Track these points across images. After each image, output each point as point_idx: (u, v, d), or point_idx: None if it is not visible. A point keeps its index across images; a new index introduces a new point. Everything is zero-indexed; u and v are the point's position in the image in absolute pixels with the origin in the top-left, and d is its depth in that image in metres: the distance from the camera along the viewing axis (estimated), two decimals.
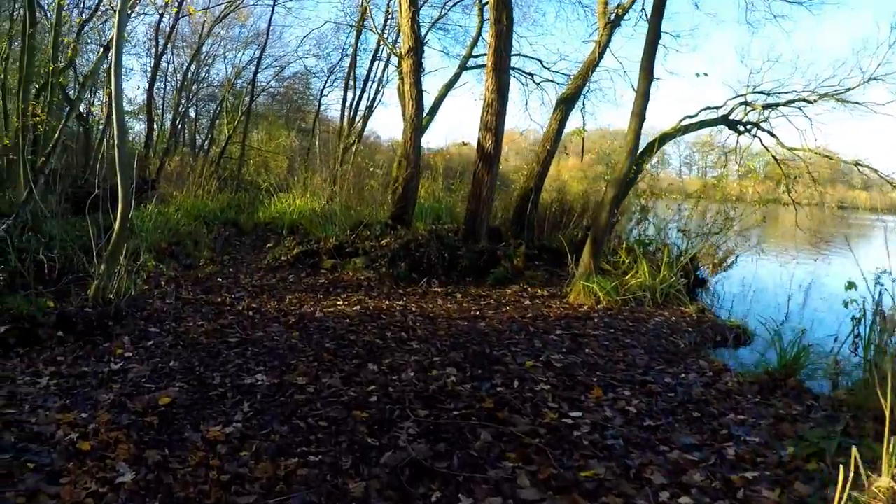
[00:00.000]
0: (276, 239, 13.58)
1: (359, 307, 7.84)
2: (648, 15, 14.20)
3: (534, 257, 10.91)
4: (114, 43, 6.90)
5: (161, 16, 20.87)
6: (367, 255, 9.95)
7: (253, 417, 4.48)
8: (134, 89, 33.74)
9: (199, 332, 6.40)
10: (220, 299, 7.88)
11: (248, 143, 25.01)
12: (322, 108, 27.73)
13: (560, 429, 4.31)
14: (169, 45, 22.65)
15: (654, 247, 10.71)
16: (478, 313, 7.90)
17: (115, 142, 6.92)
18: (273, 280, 9.23)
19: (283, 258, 10.08)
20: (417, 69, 12.40)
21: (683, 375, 5.67)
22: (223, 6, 22.91)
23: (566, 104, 13.28)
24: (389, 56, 22.55)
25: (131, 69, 54.02)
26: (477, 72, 20.90)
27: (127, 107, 25.63)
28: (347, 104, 23.42)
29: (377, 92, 23.95)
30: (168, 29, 21.48)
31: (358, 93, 23.24)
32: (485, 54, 20.48)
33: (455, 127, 75.73)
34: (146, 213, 13.00)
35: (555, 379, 5.39)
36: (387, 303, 8.20)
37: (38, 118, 8.98)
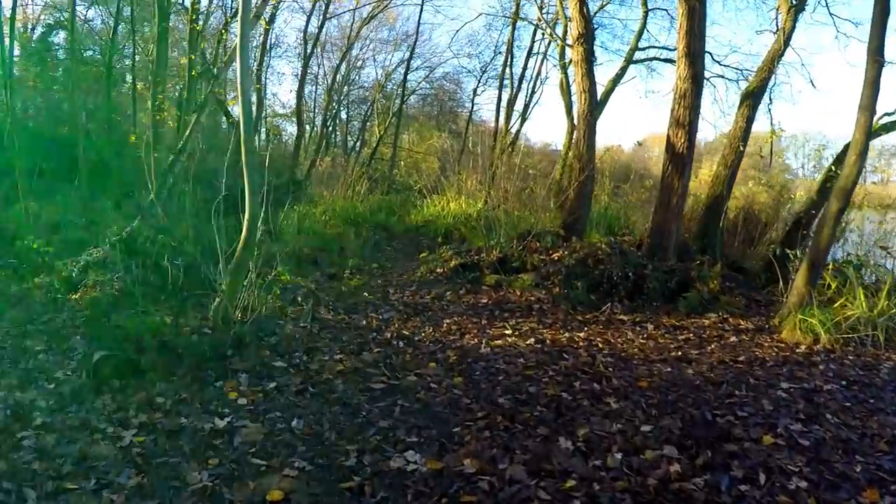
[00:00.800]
0: (429, 245, 12.08)
1: (533, 340, 5.98)
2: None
3: (725, 278, 8.63)
4: (238, 30, 5.55)
5: (308, 19, 20.39)
6: (536, 270, 8.10)
7: None
8: (287, 93, 34.28)
9: (336, 371, 4.82)
10: (364, 322, 6.33)
11: (398, 144, 24.05)
12: (474, 107, 26.26)
13: None
14: (318, 49, 22.20)
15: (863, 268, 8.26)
16: (680, 353, 5.87)
17: (242, 136, 5.54)
18: (427, 297, 7.59)
19: (438, 270, 8.45)
20: (589, 58, 10.42)
21: None
22: (370, 7, 22.09)
23: (753, 99, 10.84)
24: (546, 52, 20.58)
25: (283, 74, 55.88)
26: (638, 67, 18.48)
27: (280, 109, 25.60)
28: (502, 104, 21.67)
29: (533, 91, 22.05)
30: (315, 31, 20.88)
31: (513, 91, 21.36)
32: (652, 47, 18.27)
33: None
34: (291, 215, 11.99)
35: (808, 468, 3.68)
36: (566, 334, 6.29)
37: (164, 114, 8.02)
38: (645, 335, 6.53)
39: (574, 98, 15.71)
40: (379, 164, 23.46)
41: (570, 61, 16.71)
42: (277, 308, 6.29)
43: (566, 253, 8.21)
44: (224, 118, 18.38)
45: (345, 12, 22.06)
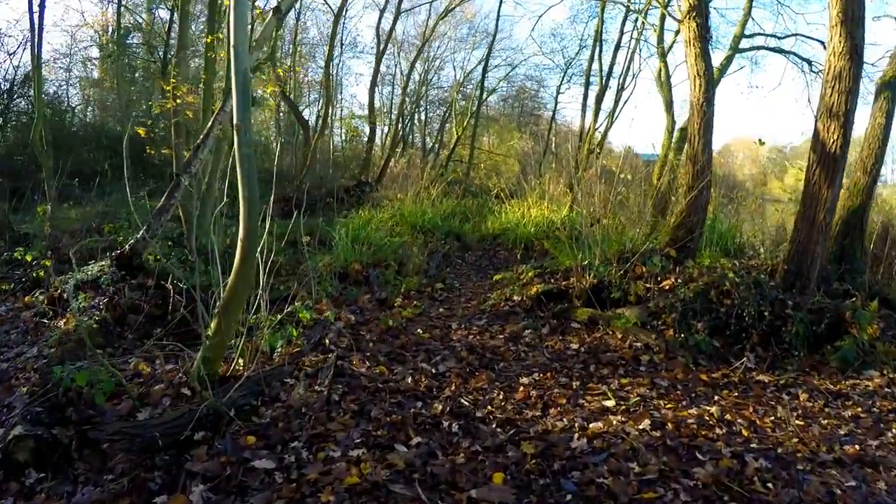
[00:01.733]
0: (506, 258, 10.13)
1: (648, 422, 3.89)
2: None
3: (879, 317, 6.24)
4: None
5: (381, 14, 18.91)
6: (641, 304, 5.97)
7: None
8: (366, 94, 33.19)
9: (343, 488, 2.93)
10: (409, 379, 4.42)
11: (477, 146, 22.20)
12: (558, 106, 24.02)
13: None
14: (394, 48, 20.82)
15: None
16: (857, 448, 3.70)
17: (234, 120, 3.74)
18: (499, 337, 5.60)
19: (515, 298, 6.45)
20: (703, 35, 8.13)
21: None
22: (446, 1, 20.38)
23: (891, 90, 8.28)
24: (637, 39, 18.01)
25: (361, 75, 55.14)
26: (739, 60, 15.83)
27: (358, 111, 24.38)
28: (588, 102, 19.22)
29: (621, 87, 19.40)
30: (392, 28, 19.32)
31: (601, 86, 18.81)
32: (758, 34, 15.58)
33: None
34: (350, 221, 10.32)
35: None
36: (692, 410, 4.19)
37: (177, 101, 6.40)
38: (798, 409, 4.40)
39: (672, 89, 13.54)
40: (458, 166, 21.74)
41: (670, 47, 14.40)
42: (291, 357, 4.49)
43: (680, 281, 6.04)
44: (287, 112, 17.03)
45: (420, 6, 20.50)
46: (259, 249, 4.20)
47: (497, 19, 19.95)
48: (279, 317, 4.47)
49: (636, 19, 16.16)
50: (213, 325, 3.98)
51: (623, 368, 4.90)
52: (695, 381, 4.78)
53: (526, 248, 10.66)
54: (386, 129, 24.05)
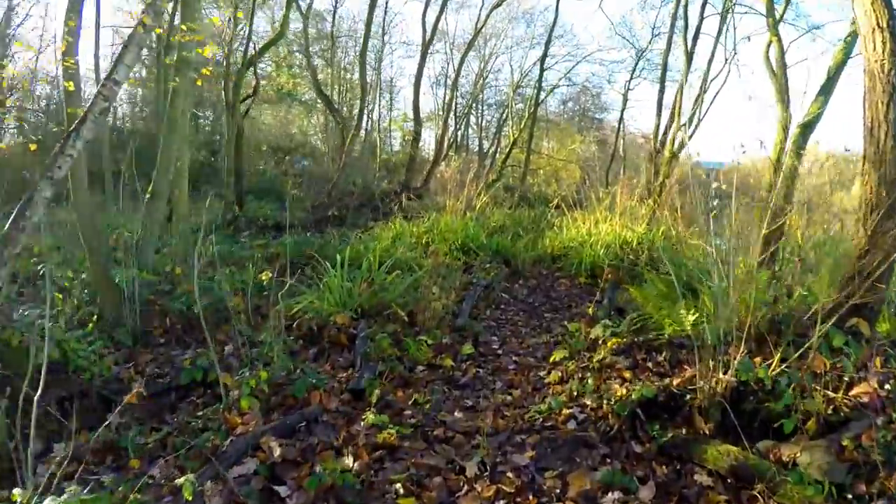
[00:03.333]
0: (567, 294, 7.25)
1: None
2: None
3: None
4: None
5: (427, 3, 16.52)
6: (824, 434, 2.82)
7: None
8: (421, 95, 30.53)
9: None
10: None
11: (537, 150, 19.30)
12: (626, 105, 20.51)
13: None
14: (447, 46, 18.30)
15: None
16: None
17: None
18: None
19: (586, 402, 3.44)
20: None
21: None
22: None
23: None
24: (726, 16, 14.28)
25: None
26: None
27: (412, 113, 22.07)
28: (666, 98, 15.84)
29: (706, 79, 15.68)
30: (444, 23, 16.84)
31: (686, 71, 15.11)
32: None
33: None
34: (376, 238, 7.76)
35: None
36: None
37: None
38: None
39: (787, 70, 9.96)
40: (516, 171, 18.90)
41: (781, 16, 10.83)
42: None
43: (889, 387, 2.95)
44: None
45: None
46: None
47: (557, 4, 17.00)
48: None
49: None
50: None
51: None
52: None
53: (593, 274, 7.72)
54: (440, 131, 21.50)
